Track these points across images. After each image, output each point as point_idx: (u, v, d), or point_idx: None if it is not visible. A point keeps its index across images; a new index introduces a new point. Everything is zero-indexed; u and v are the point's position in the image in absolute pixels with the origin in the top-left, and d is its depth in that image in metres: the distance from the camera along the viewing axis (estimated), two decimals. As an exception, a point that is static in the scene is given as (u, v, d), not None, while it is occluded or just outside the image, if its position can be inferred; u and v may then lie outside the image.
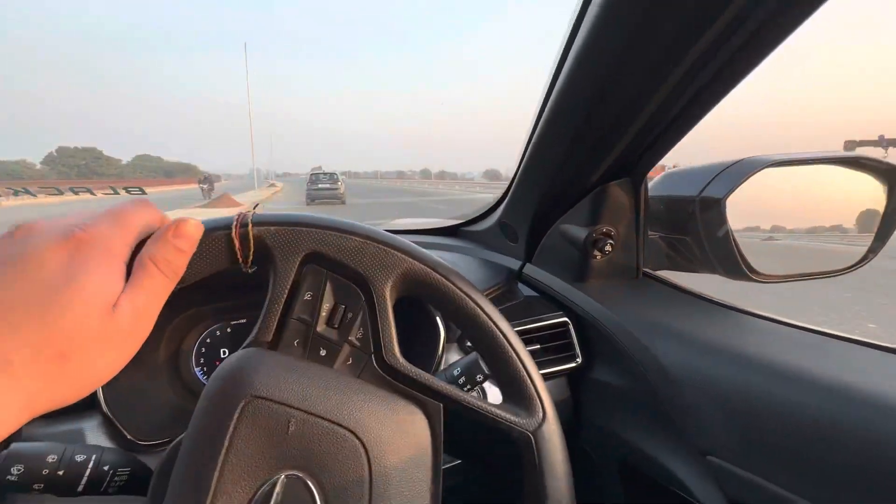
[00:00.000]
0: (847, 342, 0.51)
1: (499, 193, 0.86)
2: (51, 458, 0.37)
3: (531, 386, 0.38)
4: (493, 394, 0.63)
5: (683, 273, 0.77)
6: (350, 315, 0.35)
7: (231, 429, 0.29)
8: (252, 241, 0.33)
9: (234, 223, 0.33)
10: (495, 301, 0.79)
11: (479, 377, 0.50)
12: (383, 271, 0.35)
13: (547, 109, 0.57)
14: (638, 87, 0.49)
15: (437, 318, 0.65)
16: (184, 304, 0.65)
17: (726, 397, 0.49)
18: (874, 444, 0.38)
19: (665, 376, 0.55)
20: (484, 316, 0.38)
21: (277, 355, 0.33)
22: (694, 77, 0.47)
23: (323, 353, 0.34)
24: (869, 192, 0.65)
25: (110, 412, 0.51)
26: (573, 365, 0.68)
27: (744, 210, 0.64)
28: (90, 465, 0.38)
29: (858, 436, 0.40)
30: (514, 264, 0.83)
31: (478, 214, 0.99)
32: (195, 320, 0.67)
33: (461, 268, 0.86)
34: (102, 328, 0.26)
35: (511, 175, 0.76)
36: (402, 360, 0.35)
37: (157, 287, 0.30)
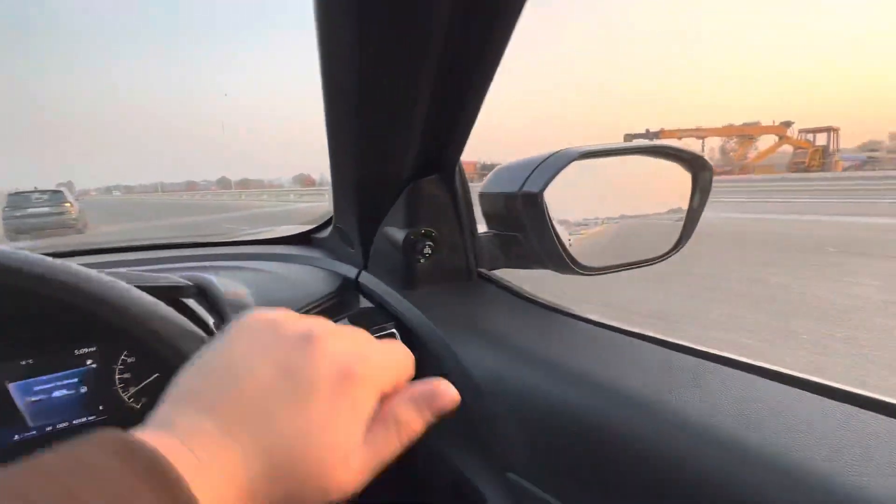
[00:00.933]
0: (643, 339, 0.49)
1: (320, 202, 0.78)
2: None
3: None
4: None
5: (524, 270, 0.75)
6: None
7: None
8: None
9: None
10: (329, 312, 0.72)
11: None
12: None
13: (326, 106, 0.50)
14: (400, 75, 0.44)
15: None
16: None
17: (528, 407, 0.46)
18: (667, 464, 0.36)
19: (473, 387, 0.51)
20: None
21: None
22: (453, 62, 0.43)
23: None
24: (675, 180, 0.66)
25: None
26: None
27: (559, 202, 0.62)
28: None
29: (653, 455, 0.37)
30: (352, 272, 0.76)
31: (325, 220, 0.92)
32: None
33: (289, 279, 0.79)
34: (332, 478, 0.24)
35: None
36: None
37: (388, 452, 0.28)
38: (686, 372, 0.42)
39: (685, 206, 0.71)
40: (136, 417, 0.62)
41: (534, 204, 0.61)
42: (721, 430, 0.34)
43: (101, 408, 0.61)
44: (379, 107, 0.48)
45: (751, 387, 0.38)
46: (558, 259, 0.63)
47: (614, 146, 0.63)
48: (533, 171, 0.62)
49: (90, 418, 0.60)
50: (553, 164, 0.61)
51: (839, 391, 0.35)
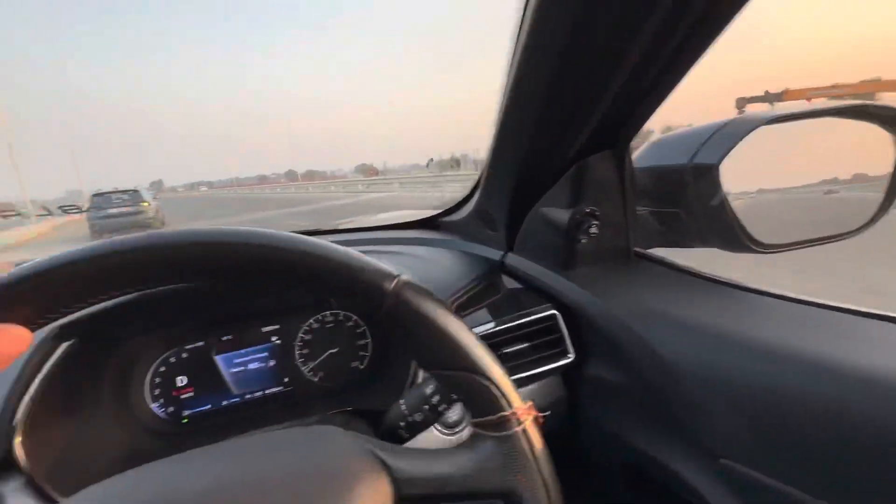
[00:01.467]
0: (868, 317, 0.44)
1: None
2: None
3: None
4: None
5: (679, 249, 0.71)
6: None
7: None
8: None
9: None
10: (476, 297, 0.73)
11: (443, 407, 0.44)
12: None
13: (511, 84, 0.50)
14: (603, 52, 0.43)
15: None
16: (128, 330, 0.58)
17: (738, 391, 0.43)
18: None
19: (665, 370, 0.49)
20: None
21: None
22: (666, 39, 0.41)
23: None
24: (876, 143, 0.58)
25: (35, 472, 0.44)
26: (566, 361, 0.62)
27: (741, 174, 0.57)
28: None
29: (886, 432, 0.34)
30: (496, 255, 0.77)
31: (456, 202, 0.93)
32: (141, 351, 0.60)
33: (439, 262, 0.80)
34: None
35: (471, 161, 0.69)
36: None
37: None
38: (879, 337, 0.40)
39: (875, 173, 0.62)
40: (315, 390, 0.68)
41: (708, 177, 0.57)
42: None
43: (286, 380, 0.68)
44: (575, 83, 0.46)
45: None
46: (731, 236, 0.59)
47: (804, 110, 0.57)
48: (706, 140, 0.58)
49: (279, 388, 0.67)
50: (732, 133, 0.56)
51: None
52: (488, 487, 0.29)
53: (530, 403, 0.31)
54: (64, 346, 0.50)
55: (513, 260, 0.73)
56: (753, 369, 0.43)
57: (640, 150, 0.67)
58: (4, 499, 0.43)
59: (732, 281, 0.59)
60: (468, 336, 0.31)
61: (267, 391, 0.67)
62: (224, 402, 0.64)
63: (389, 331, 0.48)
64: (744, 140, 0.55)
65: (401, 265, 0.72)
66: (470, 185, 0.85)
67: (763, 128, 0.55)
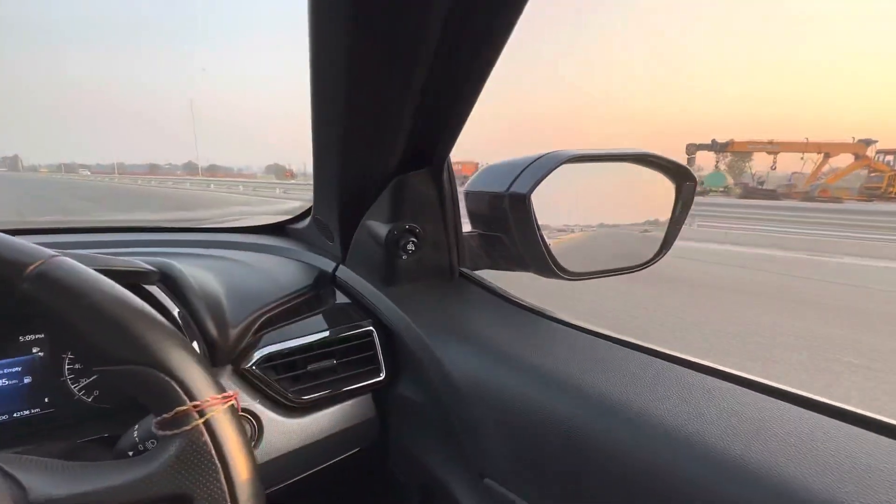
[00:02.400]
0: (640, 350, 0.49)
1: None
2: None
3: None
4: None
5: (508, 273, 0.74)
6: None
7: None
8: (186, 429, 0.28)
9: (196, 405, 0.29)
10: (304, 307, 0.69)
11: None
12: None
13: (313, 96, 0.48)
14: (386, 73, 0.43)
15: None
16: None
17: (505, 411, 0.45)
18: (638, 467, 0.35)
19: (454, 390, 0.49)
20: None
21: None
22: (447, 57, 0.42)
23: None
24: (660, 189, 0.67)
25: None
26: (377, 380, 0.60)
27: (550, 205, 0.62)
28: None
29: (625, 459, 0.37)
30: (329, 266, 0.73)
31: (303, 210, 0.88)
32: None
33: (270, 271, 0.75)
34: None
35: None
36: None
37: None
38: (669, 380, 0.42)
39: (663, 217, 0.72)
40: (86, 411, 0.58)
41: (521, 205, 0.60)
42: (702, 439, 0.34)
43: (46, 400, 0.56)
44: (369, 98, 0.46)
45: (734, 398, 0.38)
46: (542, 262, 0.63)
47: (603, 152, 0.63)
48: (522, 171, 0.61)
49: (34, 411, 0.55)
50: (542, 166, 0.60)
51: (825, 405, 0.36)
52: (150, 496, 0.25)
53: (230, 393, 0.28)
54: None
55: (343, 273, 0.70)
56: (523, 392, 0.45)
57: (476, 174, 0.69)
58: None
59: (535, 307, 0.62)
60: (139, 321, 0.27)
61: (15, 414, 0.55)
62: None
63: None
64: (551, 174, 0.60)
65: (217, 271, 0.66)
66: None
67: (566, 165, 0.60)
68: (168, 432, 0.26)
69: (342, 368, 0.60)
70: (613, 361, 0.48)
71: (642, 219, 0.74)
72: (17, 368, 0.55)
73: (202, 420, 0.26)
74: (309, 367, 0.57)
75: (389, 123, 0.49)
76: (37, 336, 0.56)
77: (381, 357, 0.61)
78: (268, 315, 0.60)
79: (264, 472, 0.59)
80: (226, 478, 0.26)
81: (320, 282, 0.71)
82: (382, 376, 0.60)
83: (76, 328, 0.26)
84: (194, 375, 0.27)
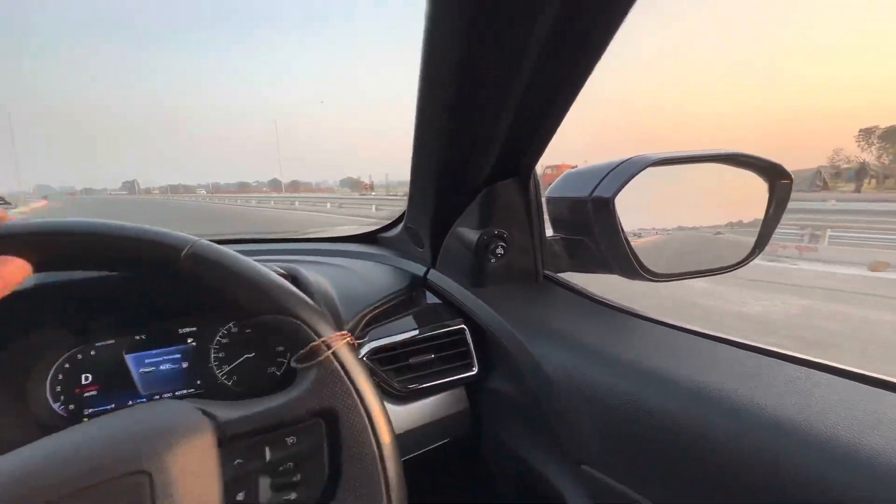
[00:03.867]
0: (720, 342, 0.50)
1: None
2: None
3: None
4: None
5: (591, 275, 0.76)
6: (294, 496, 0.32)
7: (90, 485, 0.24)
8: (319, 360, 0.33)
9: (325, 341, 0.33)
10: (400, 307, 0.76)
11: None
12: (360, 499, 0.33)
13: (418, 111, 0.54)
14: (493, 82, 0.47)
15: None
16: (29, 324, 0.58)
17: (600, 403, 0.47)
18: (738, 455, 0.37)
19: (546, 383, 0.53)
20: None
21: (214, 455, 0.29)
22: (544, 69, 0.46)
23: (240, 497, 0.31)
24: (752, 190, 0.66)
25: None
26: (470, 374, 0.65)
27: (633, 209, 0.63)
28: None
29: (725, 447, 0.38)
30: (420, 270, 0.80)
31: (393, 219, 0.96)
32: (46, 344, 0.60)
33: (364, 275, 0.83)
34: None
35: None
36: None
37: None
38: (769, 373, 0.43)
39: (753, 217, 0.70)
40: (227, 393, 0.69)
41: (604, 209, 0.63)
42: (809, 428, 0.34)
43: (198, 382, 0.68)
44: (469, 116, 0.51)
45: (845, 390, 0.38)
46: (627, 264, 0.64)
47: (689, 154, 0.64)
48: (605, 176, 0.64)
49: (190, 391, 0.67)
50: (626, 170, 0.62)
51: None
52: (305, 411, 0.32)
53: (344, 332, 0.34)
54: None
55: (434, 276, 0.76)
56: (611, 383, 0.48)
57: (556, 181, 0.72)
58: None
59: (620, 305, 0.64)
60: (271, 280, 0.34)
61: (177, 392, 0.67)
62: (130, 402, 0.64)
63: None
64: (635, 178, 0.61)
65: (328, 276, 0.75)
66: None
67: (651, 168, 0.61)
68: (306, 364, 0.33)
69: (438, 363, 0.66)
70: (704, 354, 0.49)
71: (724, 221, 0.73)
72: (177, 355, 0.67)
73: (330, 351, 0.33)
74: (410, 361, 0.64)
75: (484, 139, 0.55)
76: (191, 329, 0.68)
77: (473, 353, 0.66)
78: (372, 314, 0.68)
79: (408, 439, 0.65)
80: (357, 393, 0.33)
81: (413, 284, 0.78)
82: (475, 370, 0.65)
83: (228, 292, 0.33)
84: (319, 321, 0.34)
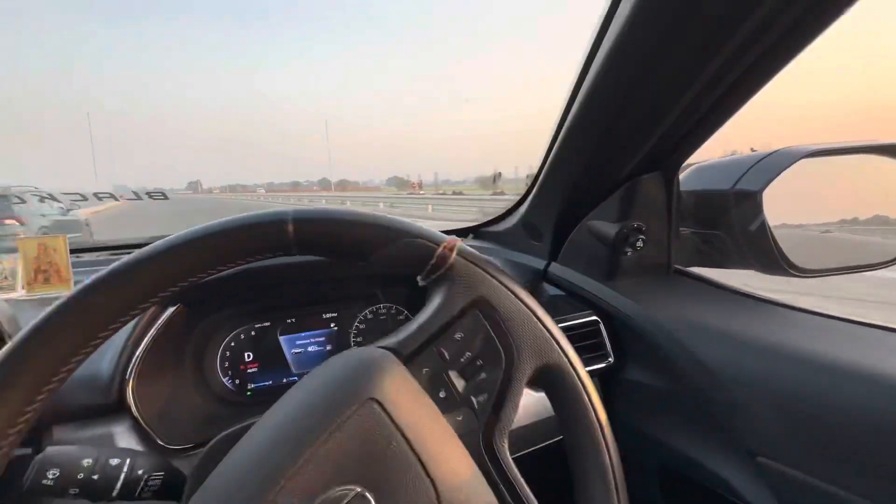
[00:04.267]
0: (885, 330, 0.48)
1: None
2: (85, 462, 0.36)
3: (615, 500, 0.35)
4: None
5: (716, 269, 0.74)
6: (483, 375, 0.34)
7: (342, 417, 0.27)
8: (448, 264, 0.34)
9: (445, 245, 0.34)
10: None
11: None
12: (533, 354, 0.34)
13: (577, 103, 0.56)
14: (673, 78, 0.48)
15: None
16: (204, 309, 0.65)
17: (777, 395, 0.47)
18: None
19: (709, 376, 0.53)
20: (599, 434, 0.36)
21: (407, 372, 0.32)
22: (730, 68, 0.46)
23: (443, 394, 0.34)
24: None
25: (140, 416, 0.50)
26: (605, 365, 0.66)
27: (781, 202, 0.62)
28: (124, 469, 0.37)
29: None
30: (539, 264, 0.82)
31: (498, 215, 0.98)
32: (216, 326, 0.66)
33: None
34: None
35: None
36: (507, 452, 0.34)
37: None
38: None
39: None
40: None
41: (749, 203, 0.61)
42: None
43: None
44: (639, 107, 0.52)
45: None
46: (769, 259, 0.63)
47: (846, 145, 0.61)
48: (749, 169, 0.62)
49: None
50: (774, 164, 0.61)
51: None
52: (459, 308, 0.34)
53: (450, 237, 0.35)
54: (169, 311, 0.56)
55: (556, 269, 0.78)
56: (789, 375, 0.47)
57: (684, 174, 0.72)
58: (115, 437, 0.50)
59: (764, 296, 0.62)
60: (372, 214, 0.34)
61: None
62: (284, 380, 0.70)
63: None
64: (786, 171, 0.60)
65: None
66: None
67: (804, 160, 0.59)
68: (438, 273, 0.34)
69: None
70: (850, 338, 0.48)
71: (871, 214, 0.69)
72: (322, 338, 0.73)
73: (455, 253, 0.34)
74: None
75: (646, 129, 0.55)
76: (333, 315, 0.74)
77: (608, 343, 0.66)
78: None
79: (517, 438, 0.67)
80: (493, 277, 0.35)
81: (534, 278, 0.79)
82: (611, 361, 0.66)
83: (343, 241, 0.33)
84: (426, 230, 0.34)
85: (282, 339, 0.71)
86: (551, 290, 0.79)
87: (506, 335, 0.34)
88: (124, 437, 0.50)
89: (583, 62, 0.52)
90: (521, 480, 0.33)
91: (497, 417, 0.33)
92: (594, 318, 0.68)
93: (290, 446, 0.26)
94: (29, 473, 0.35)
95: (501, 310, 0.34)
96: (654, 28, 0.44)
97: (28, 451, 0.40)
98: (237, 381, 0.68)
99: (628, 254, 0.66)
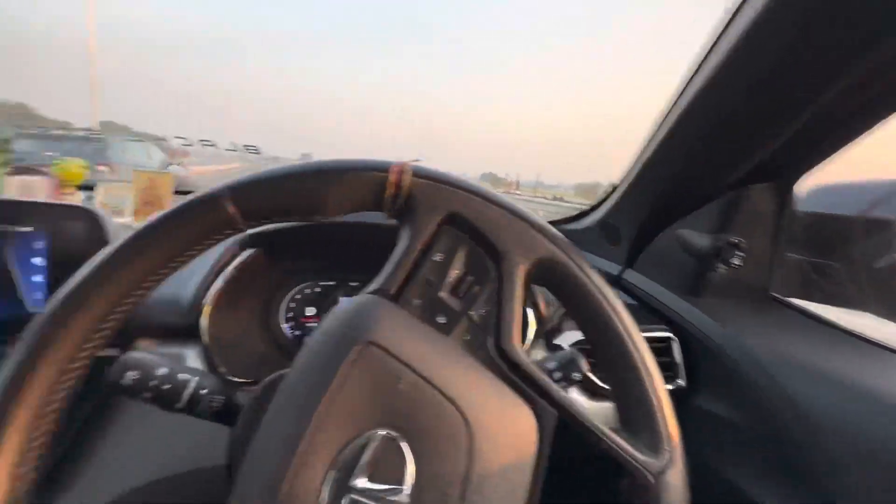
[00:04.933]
0: None
1: None
2: (160, 372, 0.39)
3: (661, 419, 0.32)
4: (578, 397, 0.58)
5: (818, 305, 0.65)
6: (477, 288, 0.33)
7: (343, 369, 0.27)
8: (406, 190, 0.32)
9: (392, 169, 0.32)
10: None
11: (576, 376, 0.45)
12: (522, 251, 0.32)
13: (687, 98, 0.50)
14: (813, 74, 0.41)
15: (529, 310, 0.62)
16: (279, 259, 0.68)
17: (880, 452, 0.40)
18: None
19: (802, 418, 0.46)
20: (620, 325, 0.33)
21: (398, 309, 0.31)
22: (887, 69, 0.38)
23: (441, 320, 0.32)
24: None
25: (209, 343, 0.54)
26: (672, 387, 0.60)
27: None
28: (192, 385, 0.40)
29: None
30: (613, 268, 0.77)
31: (575, 213, 0.94)
32: (287, 277, 0.69)
33: None
34: None
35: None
36: (521, 351, 0.32)
37: None
38: None
39: None
40: None
41: (883, 234, 0.53)
42: None
43: None
44: (759, 109, 0.46)
45: None
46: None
47: None
48: (891, 195, 0.53)
49: None
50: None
51: None
52: (431, 231, 0.32)
53: (400, 161, 0.32)
54: (247, 252, 0.59)
55: (631, 276, 0.72)
56: (884, 427, 0.40)
57: (800, 191, 0.63)
58: (185, 359, 0.54)
59: (878, 340, 0.53)
60: (312, 161, 0.32)
61: None
62: None
63: None
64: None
65: None
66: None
67: None
68: (398, 202, 0.32)
69: None
70: None
71: None
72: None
73: (410, 176, 0.31)
74: None
75: (763, 134, 0.49)
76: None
77: (680, 365, 0.61)
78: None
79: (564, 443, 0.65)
80: (458, 188, 0.32)
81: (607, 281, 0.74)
82: (682, 384, 0.60)
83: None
84: (376, 161, 0.32)
85: (342, 300, 0.73)
86: (623, 297, 0.73)
87: (487, 242, 0.32)
88: (193, 361, 0.54)
89: (705, 52, 0.47)
90: (544, 376, 0.31)
91: (501, 323, 0.32)
92: (668, 333, 0.62)
93: (297, 414, 0.27)
94: (112, 371, 0.38)
95: (474, 219, 0.32)
96: (799, 9, 0.38)
97: (115, 352, 0.44)
98: (296, 333, 0.71)
99: (719, 270, 0.59)
